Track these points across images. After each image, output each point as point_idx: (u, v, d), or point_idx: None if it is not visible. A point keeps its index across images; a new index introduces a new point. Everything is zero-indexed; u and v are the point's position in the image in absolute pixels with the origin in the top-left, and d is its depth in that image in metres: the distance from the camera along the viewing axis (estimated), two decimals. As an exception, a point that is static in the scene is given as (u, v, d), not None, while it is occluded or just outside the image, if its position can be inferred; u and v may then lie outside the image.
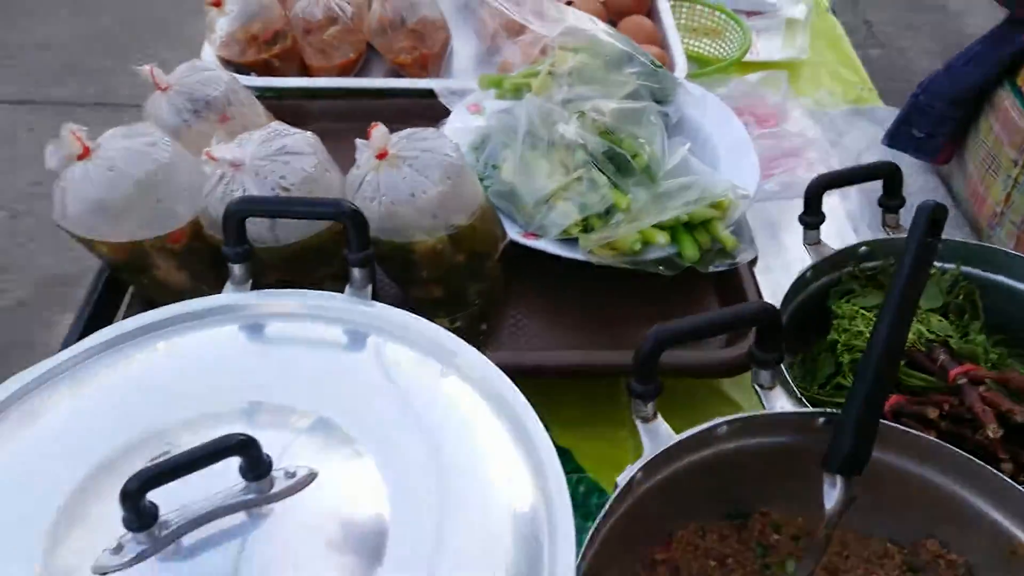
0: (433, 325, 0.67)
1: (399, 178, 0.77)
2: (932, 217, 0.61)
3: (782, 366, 0.67)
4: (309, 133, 0.82)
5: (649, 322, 0.87)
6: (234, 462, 0.52)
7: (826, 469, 0.60)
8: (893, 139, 1.16)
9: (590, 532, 0.57)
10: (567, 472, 0.58)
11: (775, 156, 1.15)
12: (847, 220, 1.11)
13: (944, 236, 0.62)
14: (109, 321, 0.89)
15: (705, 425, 0.62)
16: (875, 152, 1.23)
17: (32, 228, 2.66)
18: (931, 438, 0.62)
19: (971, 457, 0.60)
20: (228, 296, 0.70)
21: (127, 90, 3.24)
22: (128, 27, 3.58)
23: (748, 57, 1.38)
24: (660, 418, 0.63)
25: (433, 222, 0.79)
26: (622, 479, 0.59)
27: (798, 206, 0.84)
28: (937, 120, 1.10)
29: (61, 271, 2.55)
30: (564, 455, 0.69)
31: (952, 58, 1.10)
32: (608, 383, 0.90)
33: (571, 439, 0.84)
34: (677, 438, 0.61)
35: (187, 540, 0.52)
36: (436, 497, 0.57)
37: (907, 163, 1.18)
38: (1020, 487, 0.59)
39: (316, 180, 0.79)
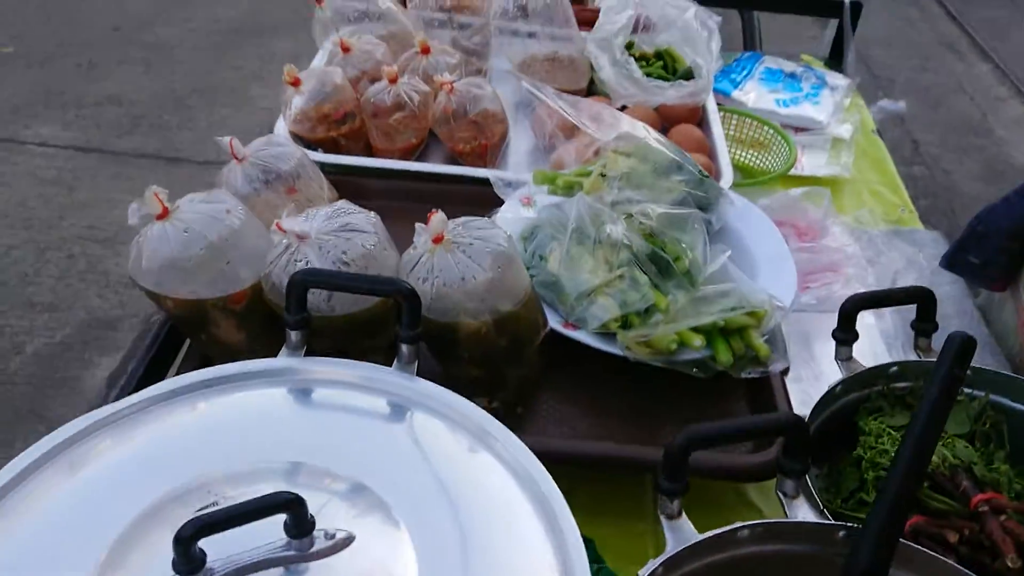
0: (473, 405, 0.71)
1: (452, 262, 0.82)
2: (960, 350, 0.63)
3: (807, 476, 0.69)
4: (371, 213, 0.87)
5: (679, 421, 0.91)
6: (276, 519, 0.56)
7: (843, 583, 0.61)
8: (951, 263, 1.18)
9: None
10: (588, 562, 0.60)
11: (813, 270, 1.18)
12: (881, 339, 1.13)
13: (979, 365, 0.64)
14: (162, 370, 0.93)
15: (728, 527, 0.64)
16: (912, 272, 1.26)
17: (83, 270, 2.75)
18: (949, 562, 0.63)
19: (988, 585, 0.61)
20: (283, 360, 0.74)
21: (187, 146, 3.39)
22: (195, 89, 3.75)
23: (793, 171, 1.43)
24: (685, 516, 0.64)
25: (480, 306, 0.83)
26: (644, 572, 0.61)
27: (832, 319, 0.87)
28: (995, 250, 1.12)
29: (105, 315, 2.63)
30: (587, 545, 0.71)
31: (1011, 191, 1.13)
32: (632, 476, 0.92)
33: (593, 529, 0.84)
34: (699, 537, 0.63)
35: (227, 589, 0.55)
36: (463, 573, 0.59)
37: (945, 288, 1.21)
38: (1036, 620, 0.60)
39: (375, 257, 0.83)
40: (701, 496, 0.69)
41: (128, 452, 0.66)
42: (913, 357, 0.88)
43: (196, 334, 0.88)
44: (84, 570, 0.56)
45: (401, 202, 1.13)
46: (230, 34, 4.23)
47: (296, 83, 1.20)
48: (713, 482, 0.89)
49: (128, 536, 0.59)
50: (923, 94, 4.28)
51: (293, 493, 0.54)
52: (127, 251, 0.84)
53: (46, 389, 2.36)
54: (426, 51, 1.29)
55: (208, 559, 0.53)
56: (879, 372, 0.86)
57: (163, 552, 0.54)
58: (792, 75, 1.71)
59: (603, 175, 1.02)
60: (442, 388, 0.72)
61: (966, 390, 0.85)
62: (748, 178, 1.41)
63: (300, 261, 0.81)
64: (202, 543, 0.53)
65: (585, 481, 0.83)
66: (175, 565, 0.52)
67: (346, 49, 1.30)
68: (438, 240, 0.82)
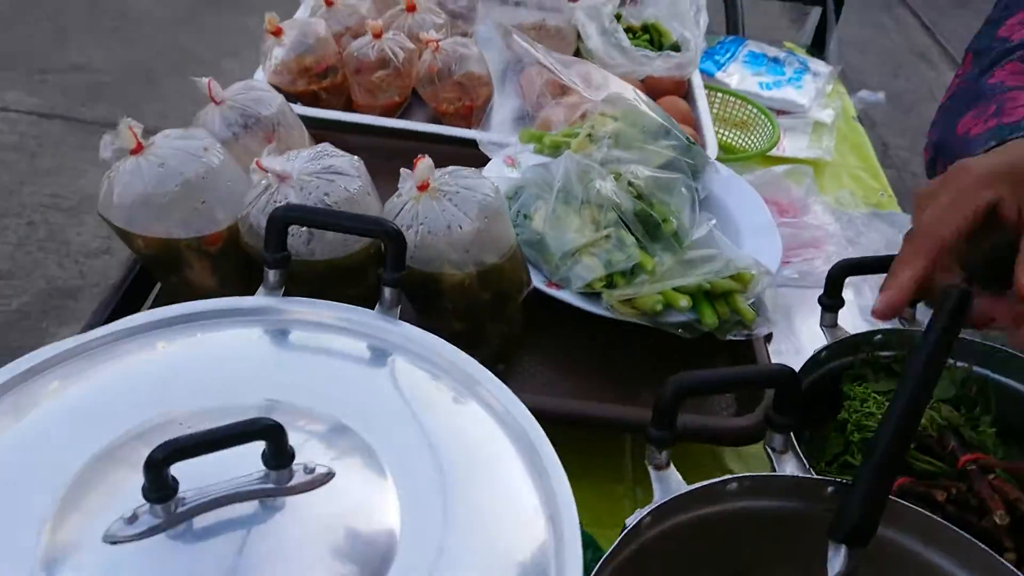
0: (457, 350, 0.68)
1: (438, 210, 0.79)
2: (957, 304, 0.63)
3: (792, 437, 0.68)
4: (355, 157, 0.84)
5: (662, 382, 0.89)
6: (252, 456, 0.53)
7: (831, 537, 0.60)
8: None
9: (595, 570, 0.57)
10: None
11: (795, 245, 1.17)
12: (860, 316, 1.13)
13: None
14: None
15: (717, 480, 0.63)
16: (892, 253, 1.25)
17: (44, 239, 2.68)
18: (938, 519, 0.62)
19: (977, 542, 0.60)
20: (261, 299, 0.71)
21: (154, 118, 3.31)
22: (166, 60, 3.68)
23: (774, 152, 1.42)
24: (673, 468, 0.63)
25: (464, 256, 0.81)
26: (631, 520, 0.59)
27: (813, 295, 0.86)
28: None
29: (65, 284, 2.57)
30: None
31: None
32: (611, 438, 0.91)
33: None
34: (688, 488, 0.62)
35: (199, 522, 0.51)
36: (444, 519, 0.56)
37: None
38: (1024, 578, 0.59)
39: (357, 202, 0.81)
40: (681, 463, 0.67)
41: (81, 393, 0.61)
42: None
43: (168, 276, 0.85)
44: (40, 515, 0.51)
45: (382, 160, 1.09)
46: (203, 6, 4.15)
47: (278, 33, 1.16)
48: (694, 450, 0.88)
49: (85, 478, 0.54)
50: (895, 100, 4.33)
51: (272, 420, 0.51)
52: (91, 220, 0.80)
53: (1, 358, 2.29)
54: (412, 9, 1.26)
55: (180, 489, 0.51)
56: (864, 339, 0.85)
57: (127, 490, 0.50)
58: (775, 60, 1.70)
59: (590, 136, 1.00)
60: (426, 332, 0.70)
61: (950, 360, 0.85)
62: (731, 155, 1.41)
63: (280, 202, 0.78)
64: (174, 473, 0.50)
65: (563, 443, 0.81)
66: (145, 492, 0.49)
67: (329, 3, 1.26)
68: (424, 187, 0.80)
